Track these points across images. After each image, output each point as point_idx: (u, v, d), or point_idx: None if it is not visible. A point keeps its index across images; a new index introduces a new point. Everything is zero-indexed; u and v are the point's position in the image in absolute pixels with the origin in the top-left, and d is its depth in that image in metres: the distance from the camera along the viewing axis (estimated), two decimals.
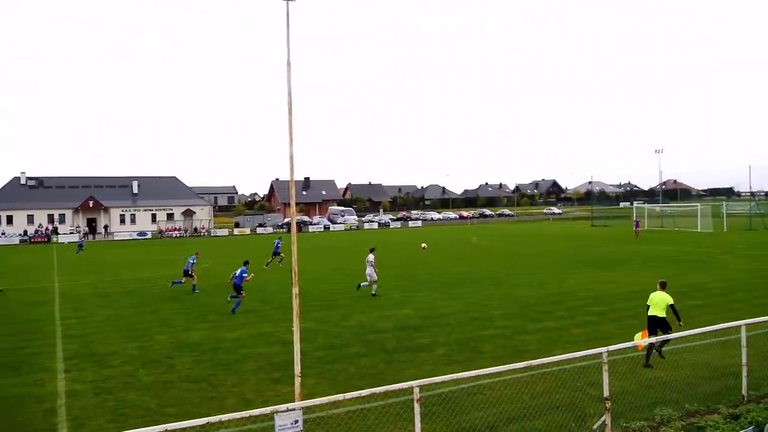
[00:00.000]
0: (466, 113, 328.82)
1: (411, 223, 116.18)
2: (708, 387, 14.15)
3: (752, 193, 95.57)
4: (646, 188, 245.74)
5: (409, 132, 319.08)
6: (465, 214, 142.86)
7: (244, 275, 26.16)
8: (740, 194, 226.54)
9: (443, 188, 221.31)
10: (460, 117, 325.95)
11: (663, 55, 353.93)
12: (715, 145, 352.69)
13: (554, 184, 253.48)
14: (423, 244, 36.98)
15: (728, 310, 22.73)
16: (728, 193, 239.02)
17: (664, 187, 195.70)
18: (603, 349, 11.74)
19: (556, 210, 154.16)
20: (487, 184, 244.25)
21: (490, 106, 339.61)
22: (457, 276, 34.70)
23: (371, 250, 29.96)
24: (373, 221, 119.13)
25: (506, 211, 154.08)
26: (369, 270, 28.75)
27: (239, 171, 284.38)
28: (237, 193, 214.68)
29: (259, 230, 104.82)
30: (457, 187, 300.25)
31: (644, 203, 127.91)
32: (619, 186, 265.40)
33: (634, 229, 67.75)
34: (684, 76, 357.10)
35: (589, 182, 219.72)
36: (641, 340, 14.92)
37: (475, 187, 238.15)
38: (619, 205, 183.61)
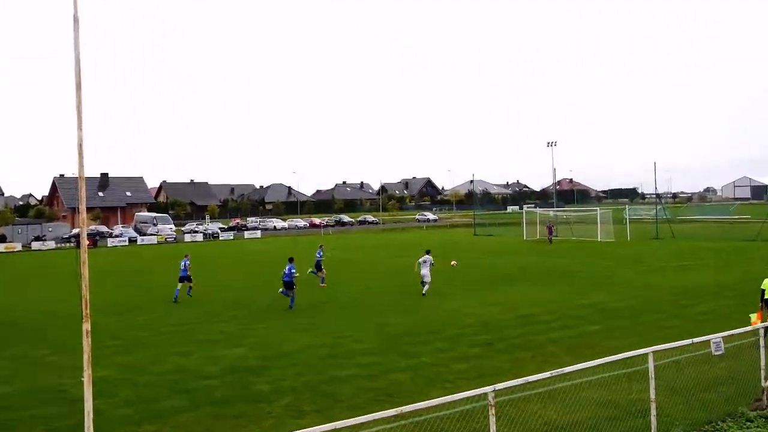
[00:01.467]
0: (320, 101, 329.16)
1: (247, 234, 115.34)
2: (612, 429, 14.62)
3: (658, 195, 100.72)
4: (537, 188, 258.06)
5: (247, 120, 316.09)
6: (317, 221, 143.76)
7: (293, 272, 33.34)
8: (644, 196, 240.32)
9: (289, 188, 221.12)
10: (311, 104, 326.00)
11: (555, 40, 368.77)
12: (616, 141, 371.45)
13: (428, 183, 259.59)
14: (453, 262, 45.82)
15: (633, 334, 23.73)
16: (631, 194, 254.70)
17: (558, 187, 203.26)
18: (489, 389, 11.91)
19: (430, 216, 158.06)
20: (345, 183, 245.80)
21: (350, 94, 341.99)
22: (305, 301, 34.64)
23: (428, 252, 36.96)
24: (197, 231, 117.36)
25: (369, 217, 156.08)
26: (425, 271, 35.69)
27: (4, 165, 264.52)
28: (1, 194, 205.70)
29: (36, 245, 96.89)
30: (307, 187, 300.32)
31: (535, 207, 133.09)
32: (506, 186, 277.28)
33: (548, 235, 71.60)
34: (580, 64, 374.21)
35: (471, 181, 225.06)
36: (757, 323, 19.00)
37: (329, 187, 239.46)
38: (506, 209, 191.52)
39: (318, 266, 41.88)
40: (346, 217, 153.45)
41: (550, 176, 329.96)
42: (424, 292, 35.39)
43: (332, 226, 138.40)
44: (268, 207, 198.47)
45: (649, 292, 33.57)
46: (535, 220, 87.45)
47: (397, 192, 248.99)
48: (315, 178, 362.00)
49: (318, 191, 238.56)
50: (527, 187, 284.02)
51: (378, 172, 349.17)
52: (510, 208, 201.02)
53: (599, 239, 73.90)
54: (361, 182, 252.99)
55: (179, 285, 36.93)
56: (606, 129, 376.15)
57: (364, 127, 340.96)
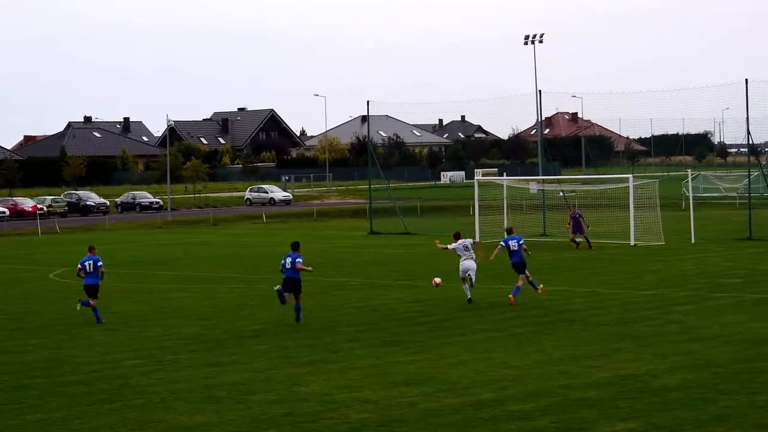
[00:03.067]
0: None
1: None
2: None
3: (754, 149, 65.93)
4: (503, 135, 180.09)
5: None
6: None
7: (299, 261, 25.39)
8: (726, 149, 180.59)
9: None
10: None
11: None
12: (652, 44, 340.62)
13: (271, 120, 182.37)
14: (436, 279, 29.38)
15: None
16: (698, 147, 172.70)
17: (548, 131, 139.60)
18: None
19: (278, 191, 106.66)
20: (89, 120, 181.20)
21: None
22: None
23: (458, 236, 28.92)
24: None
25: (143, 194, 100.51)
26: (468, 263, 28.08)
27: None
28: None
29: None
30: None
31: (501, 172, 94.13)
32: (437, 129, 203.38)
33: (571, 234, 45.27)
34: None
35: (363, 118, 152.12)
36: None
37: (55, 128, 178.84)
38: (437, 176, 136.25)
39: None
40: (92, 195, 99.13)
41: (528, 111, 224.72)
42: (469, 296, 28.18)
43: (62, 214, 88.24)
44: None
45: None
46: (500, 202, 55.03)
47: (203, 141, 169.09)
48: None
49: (25, 139, 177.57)
50: (484, 131, 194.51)
51: (159, 101, 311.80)
52: (447, 176, 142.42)
53: (633, 241, 46.84)
54: (126, 119, 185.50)
55: None
56: (628, 22, 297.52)
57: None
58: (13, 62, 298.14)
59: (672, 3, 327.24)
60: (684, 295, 29.74)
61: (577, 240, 44.67)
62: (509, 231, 30.16)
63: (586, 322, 24.95)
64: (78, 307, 26.72)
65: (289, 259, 25.51)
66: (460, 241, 28.48)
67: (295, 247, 25.92)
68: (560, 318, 25.69)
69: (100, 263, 26.29)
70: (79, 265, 26.53)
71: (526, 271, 28.16)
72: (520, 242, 28.34)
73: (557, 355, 20.19)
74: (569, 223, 45.38)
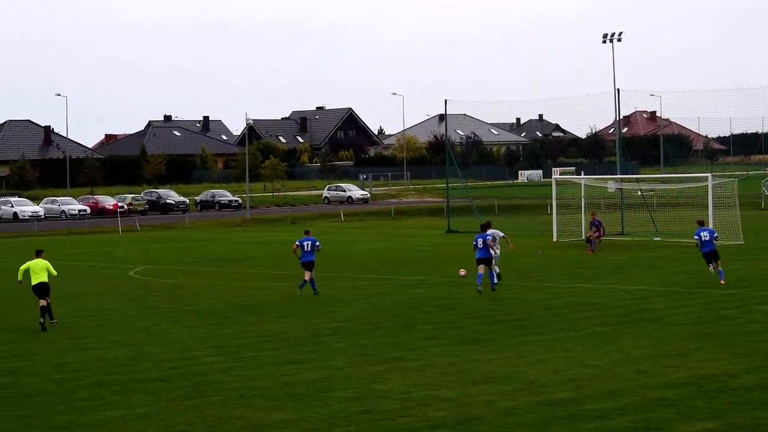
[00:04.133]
0: None
1: None
2: None
3: None
4: (581, 134, 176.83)
5: None
6: (109, 203, 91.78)
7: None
8: None
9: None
10: None
11: None
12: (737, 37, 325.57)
13: (348, 119, 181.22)
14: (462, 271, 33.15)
15: None
16: None
17: (626, 130, 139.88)
18: None
19: (355, 189, 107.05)
20: (170, 119, 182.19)
21: None
22: None
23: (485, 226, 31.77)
24: None
25: (221, 192, 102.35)
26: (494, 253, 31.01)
27: None
28: None
29: None
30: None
31: (578, 171, 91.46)
32: (515, 128, 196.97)
33: (592, 234, 44.12)
34: None
35: (440, 117, 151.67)
36: None
37: (136, 127, 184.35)
38: (514, 174, 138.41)
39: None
40: (172, 193, 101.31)
41: (606, 110, 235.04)
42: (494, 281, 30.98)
43: (142, 212, 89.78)
44: None
45: None
46: (578, 200, 54.07)
47: (282, 140, 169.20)
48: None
49: (106, 138, 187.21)
50: (562, 130, 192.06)
51: (238, 100, 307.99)
52: (525, 174, 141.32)
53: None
54: (206, 118, 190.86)
55: None
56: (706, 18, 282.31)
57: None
58: (94, 61, 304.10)
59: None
60: (764, 294, 29.16)
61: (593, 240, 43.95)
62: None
63: (664, 321, 24.71)
64: (298, 292, 30.63)
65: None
66: (492, 232, 31.59)
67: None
68: (639, 317, 25.48)
69: (317, 243, 31.40)
70: (297, 243, 31.44)
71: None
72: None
73: (635, 355, 20.05)
74: (592, 232, 44.33)
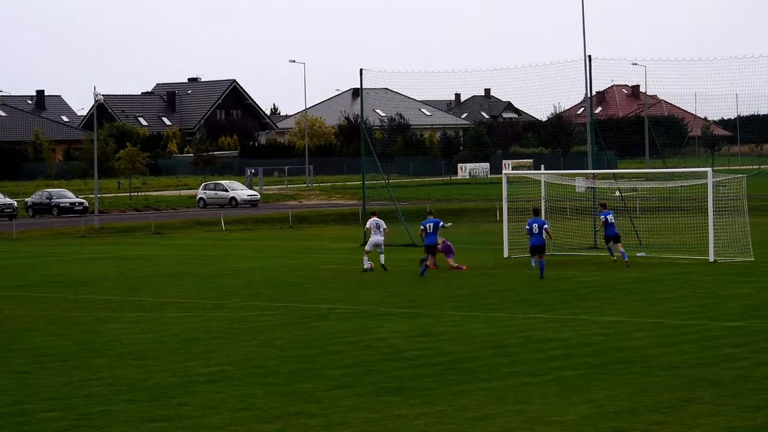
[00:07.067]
0: None
1: None
2: None
3: None
4: (541, 116, 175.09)
5: None
6: None
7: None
8: None
9: None
10: None
11: None
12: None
13: (231, 93, 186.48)
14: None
15: None
16: None
17: (599, 110, 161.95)
18: None
19: (239, 188, 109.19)
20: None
21: None
22: None
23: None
24: None
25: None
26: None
27: None
28: None
29: None
30: None
31: (537, 163, 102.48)
32: (448, 109, 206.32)
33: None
34: None
35: (354, 91, 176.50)
36: None
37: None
38: (451, 168, 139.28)
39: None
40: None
41: (574, 83, 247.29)
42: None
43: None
44: None
45: None
46: (536, 204, 51.28)
47: (143, 122, 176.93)
48: None
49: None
50: (516, 110, 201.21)
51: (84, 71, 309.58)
52: (466, 169, 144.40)
53: (713, 256, 46.90)
54: (40, 93, 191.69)
55: None
56: None
57: None
58: None
59: None
60: None
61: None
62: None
63: (649, 363, 25.19)
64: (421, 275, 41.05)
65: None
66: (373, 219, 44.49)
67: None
68: (616, 358, 25.95)
69: (441, 223, 43.51)
70: (422, 226, 43.41)
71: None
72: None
73: (611, 408, 20.38)
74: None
